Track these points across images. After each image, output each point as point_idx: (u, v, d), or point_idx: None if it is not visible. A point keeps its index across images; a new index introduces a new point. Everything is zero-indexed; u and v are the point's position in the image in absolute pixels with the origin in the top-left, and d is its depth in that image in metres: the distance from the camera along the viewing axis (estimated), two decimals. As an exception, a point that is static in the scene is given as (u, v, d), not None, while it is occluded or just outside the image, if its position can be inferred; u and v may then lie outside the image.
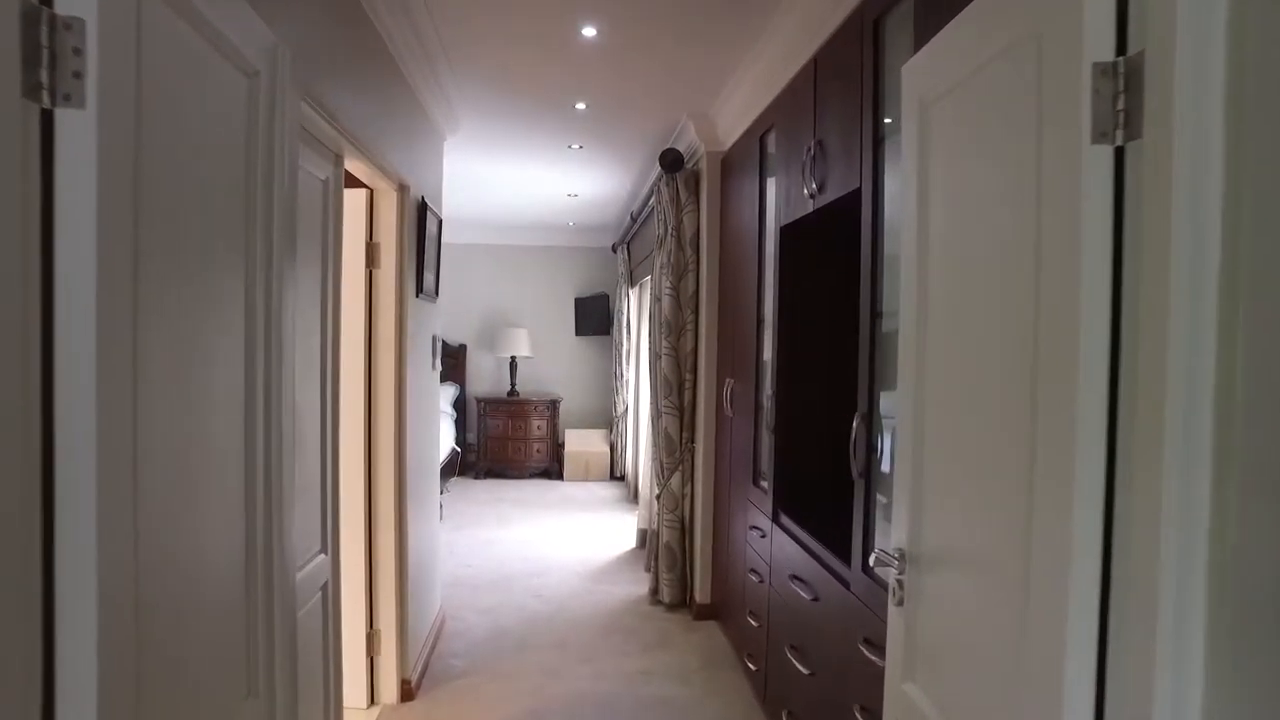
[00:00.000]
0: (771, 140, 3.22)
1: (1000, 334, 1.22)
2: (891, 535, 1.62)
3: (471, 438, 8.45)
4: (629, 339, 7.45)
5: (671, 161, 4.22)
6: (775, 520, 3.00)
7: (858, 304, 2.18)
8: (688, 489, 4.34)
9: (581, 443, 8.28)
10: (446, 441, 7.56)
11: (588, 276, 8.78)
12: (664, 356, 4.27)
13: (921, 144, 1.50)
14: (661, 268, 4.37)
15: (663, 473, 4.36)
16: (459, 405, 8.41)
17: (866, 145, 2.14)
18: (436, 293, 3.77)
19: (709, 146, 4.09)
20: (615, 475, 8.21)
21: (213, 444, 1.32)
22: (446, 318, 8.50)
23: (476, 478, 8.17)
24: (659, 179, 4.40)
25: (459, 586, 4.69)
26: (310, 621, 2.19)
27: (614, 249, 8.08)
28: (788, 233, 2.93)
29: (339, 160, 2.43)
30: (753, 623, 3.25)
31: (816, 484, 2.94)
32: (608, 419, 8.63)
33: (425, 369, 3.65)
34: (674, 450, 4.30)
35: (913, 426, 1.52)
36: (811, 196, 2.59)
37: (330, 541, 2.40)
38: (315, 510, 2.29)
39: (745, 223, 3.60)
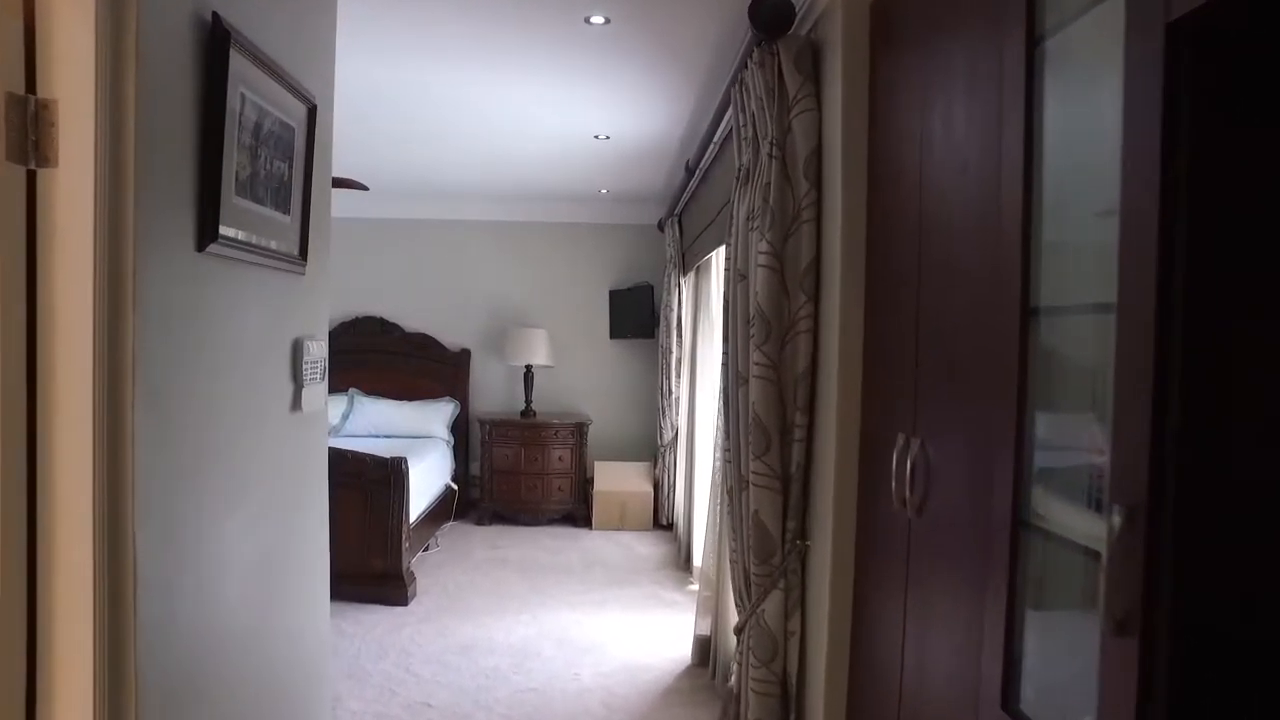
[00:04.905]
0: None
1: None
2: None
3: (476, 469, 6.58)
4: (680, 344, 5.55)
5: (770, 18, 2.27)
6: None
7: None
8: (795, 625, 2.37)
9: (616, 480, 6.34)
10: (441, 476, 5.79)
11: (626, 262, 6.83)
12: (755, 379, 2.32)
13: None
14: (749, 219, 2.42)
15: (748, 592, 2.41)
16: (458, 428, 6.55)
17: None
18: (304, 255, 1.87)
19: (848, -21, 2.13)
20: (660, 523, 6.25)
21: None
22: (444, 316, 6.67)
23: (480, 523, 6.30)
24: (744, 61, 2.46)
25: (397, 761, 2.80)
26: None
27: (660, 226, 6.15)
28: (1210, 33, 0.96)
29: None
30: None
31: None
32: (650, 449, 6.68)
33: (275, 404, 1.76)
34: (770, 553, 2.34)
35: None
36: None
37: None
38: None
39: (951, 115, 1.63)
